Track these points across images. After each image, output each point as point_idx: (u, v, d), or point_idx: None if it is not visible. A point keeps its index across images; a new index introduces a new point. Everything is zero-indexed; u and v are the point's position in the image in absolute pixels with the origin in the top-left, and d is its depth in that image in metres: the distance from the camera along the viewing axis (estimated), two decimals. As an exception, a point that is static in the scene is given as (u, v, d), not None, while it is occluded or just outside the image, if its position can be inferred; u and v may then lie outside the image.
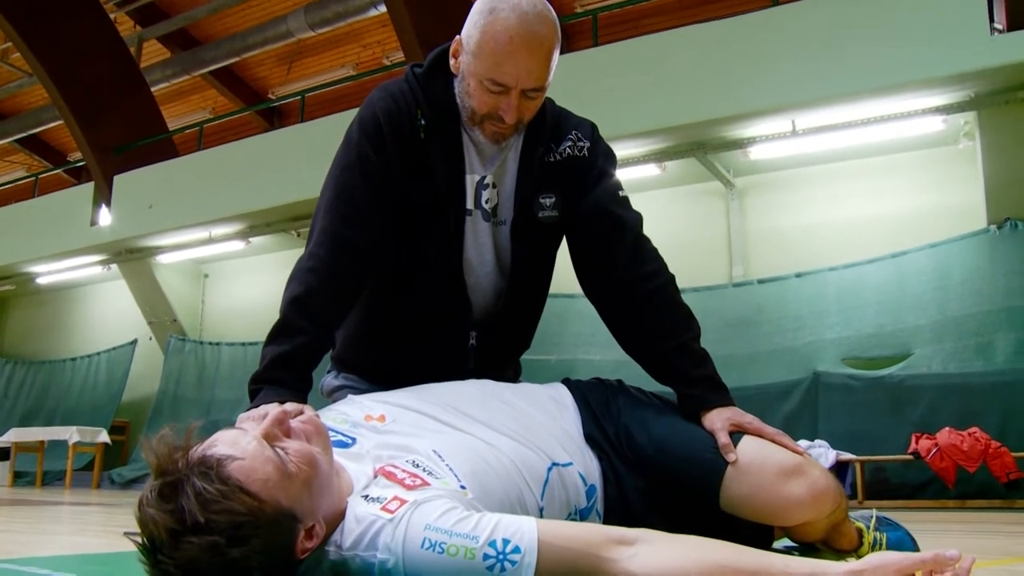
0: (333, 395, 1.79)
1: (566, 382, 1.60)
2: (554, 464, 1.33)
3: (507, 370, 1.82)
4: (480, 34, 1.48)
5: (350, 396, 1.42)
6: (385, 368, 1.69)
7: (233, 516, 0.96)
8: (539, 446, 1.35)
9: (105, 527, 3.44)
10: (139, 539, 0.99)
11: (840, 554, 1.51)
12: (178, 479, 0.98)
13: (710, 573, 1.00)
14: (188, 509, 0.95)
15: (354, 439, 1.24)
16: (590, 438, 1.46)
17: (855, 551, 1.52)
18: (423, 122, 1.56)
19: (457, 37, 1.56)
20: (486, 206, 1.60)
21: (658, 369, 1.61)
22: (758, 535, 1.45)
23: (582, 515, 1.36)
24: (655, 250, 1.66)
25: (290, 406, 1.23)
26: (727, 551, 1.04)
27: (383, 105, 1.57)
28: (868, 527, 1.57)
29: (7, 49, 11.62)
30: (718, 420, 1.47)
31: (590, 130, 1.71)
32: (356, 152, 1.57)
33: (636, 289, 1.61)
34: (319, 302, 1.49)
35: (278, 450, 1.05)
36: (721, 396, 1.52)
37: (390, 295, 1.66)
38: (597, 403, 1.52)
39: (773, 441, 1.44)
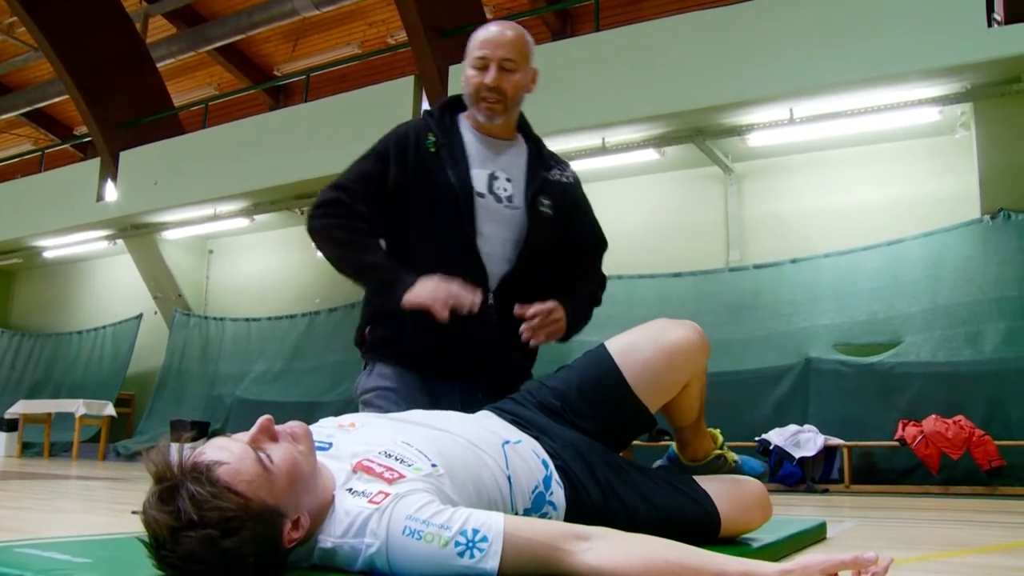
0: (364, 396, 2.02)
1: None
2: (506, 442, 1.50)
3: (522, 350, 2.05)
4: (469, 42, 2.02)
5: (321, 420, 1.55)
6: (416, 338, 1.94)
7: (223, 512, 1.11)
8: (489, 429, 1.54)
9: (112, 505, 3.58)
10: (146, 539, 1.14)
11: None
12: (174, 484, 1.12)
13: (654, 565, 1.14)
14: (183, 509, 1.09)
15: (330, 443, 1.39)
16: (515, 423, 1.65)
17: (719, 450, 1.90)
18: (432, 138, 2.01)
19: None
20: (501, 193, 2.00)
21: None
22: (704, 534, 1.63)
23: (545, 484, 1.51)
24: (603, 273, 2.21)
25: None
26: (672, 548, 1.18)
27: (397, 132, 2.05)
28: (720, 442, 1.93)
29: (12, 23, 11.65)
30: None
31: (571, 169, 2.19)
32: (372, 156, 2.03)
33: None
34: (353, 212, 1.95)
35: (261, 454, 1.19)
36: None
37: (416, 266, 1.93)
38: (508, 404, 1.73)
39: None
